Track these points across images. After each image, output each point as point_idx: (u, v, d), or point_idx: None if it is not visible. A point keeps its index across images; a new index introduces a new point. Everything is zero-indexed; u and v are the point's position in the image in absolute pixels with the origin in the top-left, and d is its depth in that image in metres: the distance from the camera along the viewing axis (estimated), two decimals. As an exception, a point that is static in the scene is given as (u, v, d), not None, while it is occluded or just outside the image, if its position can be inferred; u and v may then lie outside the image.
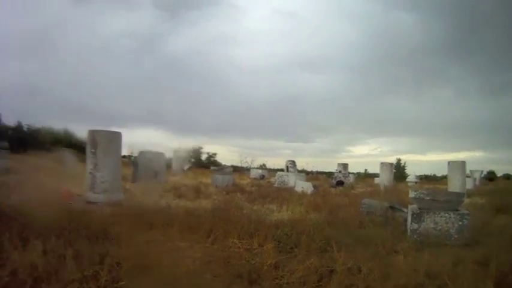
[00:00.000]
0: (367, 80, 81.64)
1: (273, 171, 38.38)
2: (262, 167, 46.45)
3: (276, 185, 22.06)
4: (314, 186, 18.29)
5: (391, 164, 27.95)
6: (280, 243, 5.91)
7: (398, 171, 41.03)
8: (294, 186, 19.27)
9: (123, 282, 4.08)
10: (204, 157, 54.80)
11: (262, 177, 30.65)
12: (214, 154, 55.80)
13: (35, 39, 60.77)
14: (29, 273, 3.97)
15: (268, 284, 4.47)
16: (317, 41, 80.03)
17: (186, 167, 29.24)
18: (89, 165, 10.84)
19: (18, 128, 40.03)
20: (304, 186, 18.11)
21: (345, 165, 28.52)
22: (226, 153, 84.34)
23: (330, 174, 35.57)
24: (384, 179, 25.13)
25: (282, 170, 30.26)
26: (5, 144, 20.04)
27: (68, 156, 24.57)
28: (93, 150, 10.75)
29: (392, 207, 9.41)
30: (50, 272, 4.04)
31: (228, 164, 39.87)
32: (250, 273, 4.66)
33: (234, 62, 78.96)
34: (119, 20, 73.16)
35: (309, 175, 31.40)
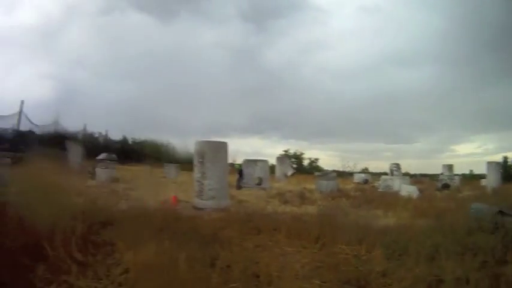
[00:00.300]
0: (463, 71, 74.37)
1: (376, 175, 37.85)
2: (365, 171, 45.79)
3: (380, 190, 21.63)
4: (419, 190, 17.78)
5: (498, 163, 26.48)
6: (388, 250, 5.83)
7: (506, 170, 37.08)
8: (399, 191, 18.76)
9: (233, 285, 4.33)
10: (306, 163, 55.59)
11: (366, 181, 30.17)
12: (316, 159, 56.21)
13: (132, 61, 67.38)
14: (143, 273, 4.40)
15: (376, 291, 4.52)
16: (407, 34, 75.15)
17: (289, 173, 29.62)
18: (197, 174, 11.68)
19: (123, 142, 44.60)
20: (409, 190, 17.61)
21: (450, 167, 27.48)
22: (327, 158, 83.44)
23: (433, 177, 34.35)
24: (491, 180, 23.52)
25: (384, 173, 29.90)
26: (113, 156, 22.32)
27: (171, 166, 26.69)
28: (200, 160, 11.60)
29: (502, 212, 8.65)
30: (163, 273, 4.40)
31: (330, 168, 39.60)
32: (358, 279, 4.69)
33: (326, 66, 77.83)
34: (209, 35, 77.32)
35: (413, 178, 29.80)
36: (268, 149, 75.02)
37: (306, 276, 4.77)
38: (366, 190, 21.37)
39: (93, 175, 19.22)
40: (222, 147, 12.06)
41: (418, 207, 11.48)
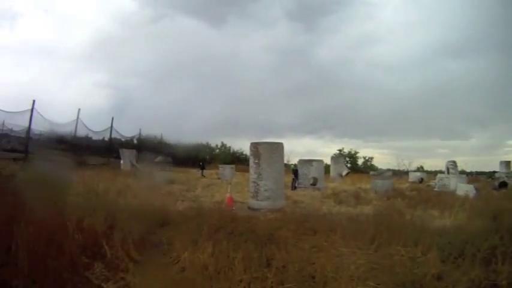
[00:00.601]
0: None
1: (431, 173, 37.13)
2: (420, 169, 44.84)
3: (436, 189, 21.03)
4: (476, 189, 16.98)
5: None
6: (444, 252, 5.65)
7: None
8: (455, 190, 18.16)
9: (289, 285, 4.27)
10: (360, 162, 54.77)
11: (421, 180, 29.41)
12: (371, 158, 55.37)
13: (183, 66, 69.12)
14: (199, 272, 4.41)
15: (430, 295, 4.34)
16: (459, 23, 71.94)
17: (344, 173, 29.36)
18: (252, 175, 11.77)
19: (177, 145, 45.63)
20: (466, 189, 16.98)
21: (507, 164, 26.44)
22: (382, 157, 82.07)
23: (490, 175, 32.65)
24: (552, 177, 21.73)
25: (440, 171, 29.05)
26: (169, 158, 22.92)
27: (226, 167, 27.01)
28: (256, 161, 11.68)
29: None
30: (219, 272, 4.40)
31: (384, 167, 38.84)
32: (413, 282, 4.56)
33: (377, 61, 76.48)
34: (257, 37, 77.86)
35: (468, 176, 28.53)
36: (322, 148, 74.81)
37: (361, 278, 4.66)
38: (421, 189, 20.79)
39: (149, 177, 19.69)
40: (277, 148, 12.03)
41: (474, 207, 10.96)
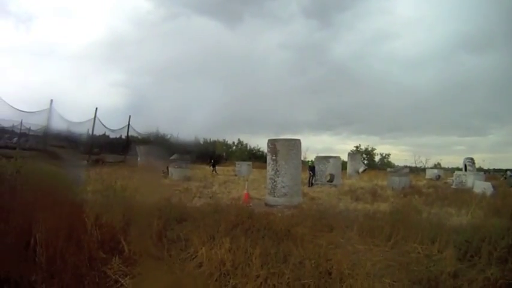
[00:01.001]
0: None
1: (448, 170, 37.07)
2: (437, 166, 44.57)
3: (453, 186, 20.86)
4: (493, 187, 16.67)
5: None
6: (461, 250, 5.65)
7: None
8: (472, 187, 17.91)
9: (306, 281, 4.25)
10: (377, 158, 54.37)
11: (438, 177, 29.25)
12: (388, 155, 54.95)
13: (200, 64, 69.35)
14: (217, 268, 4.43)
15: (446, 293, 4.32)
16: (478, 17, 70.00)
17: (361, 169, 29.23)
18: (270, 172, 11.79)
19: (195, 142, 45.86)
20: (483, 186, 16.67)
21: None
22: (399, 153, 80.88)
23: (503, 173, 32.24)
24: None
25: (457, 168, 28.85)
26: (186, 156, 23.01)
27: (242, 164, 27.06)
28: (273, 158, 11.71)
29: None
30: (237, 268, 4.42)
31: (401, 164, 38.41)
32: (429, 280, 4.56)
33: (394, 56, 75.42)
34: (273, 34, 77.58)
35: (486, 174, 28.11)
36: (339, 145, 74.29)
37: (377, 275, 4.65)
38: (438, 187, 20.68)
39: (166, 174, 19.86)
40: (295, 144, 12.02)
41: (491, 206, 10.93)
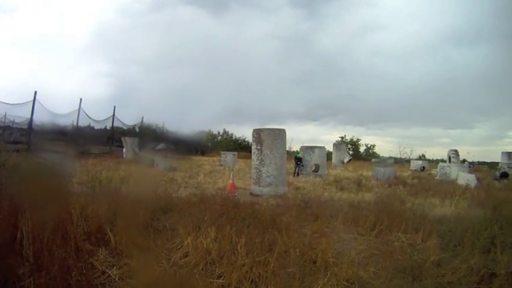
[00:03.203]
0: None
1: (432, 162, 37.87)
2: (422, 157, 44.97)
3: (437, 178, 21.30)
4: (477, 179, 17.12)
5: None
6: (444, 240, 5.79)
7: None
8: (456, 179, 18.23)
9: (291, 269, 4.35)
10: (362, 149, 54.87)
11: (423, 169, 29.74)
12: (373, 146, 55.52)
13: (186, 54, 68.57)
14: (202, 257, 4.50)
15: (430, 281, 4.44)
16: (464, 10, 70.57)
17: (346, 160, 29.52)
18: (255, 161, 11.92)
19: (178, 132, 45.60)
20: (467, 178, 17.05)
21: (510, 154, 26.09)
22: (384, 145, 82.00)
23: (492, 165, 33.07)
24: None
25: (441, 160, 29.47)
26: (171, 146, 22.93)
27: (228, 154, 27.11)
28: (258, 147, 11.80)
29: None
30: (222, 257, 4.49)
31: (386, 155, 39.06)
32: (413, 269, 4.68)
33: (380, 49, 75.03)
34: (260, 24, 77.03)
35: (470, 166, 28.71)
36: (325, 136, 74.70)
37: (362, 263, 4.77)
38: (422, 178, 21.07)
39: (151, 165, 19.79)
40: (280, 134, 12.10)
41: (475, 197, 11.21)
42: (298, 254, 4.76)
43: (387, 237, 6.06)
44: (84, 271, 4.04)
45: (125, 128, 33.59)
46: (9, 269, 3.77)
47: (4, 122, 25.24)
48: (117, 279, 4.12)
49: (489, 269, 4.63)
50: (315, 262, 4.69)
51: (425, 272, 4.62)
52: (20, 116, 25.34)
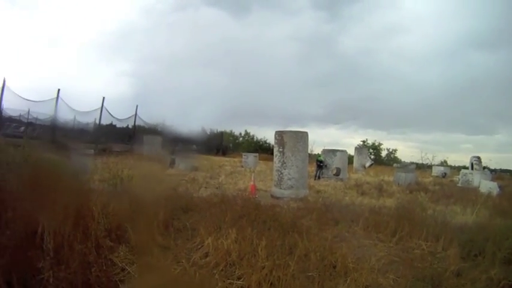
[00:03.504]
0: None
1: (454, 168, 36.97)
2: (444, 163, 44.04)
3: (459, 184, 20.77)
4: (499, 187, 16.63)
5: None
6: (464, 249, 5.67)
7: None
8: (479, 186, 17.76)
9: (310, 274, 4.32)
10: (383, 153, 54.35)
11: (444, 175, 29.07)
12: (395, 150, 54.94)
13: (208, 55, 69.03)
14: (223, 258, 4.48)
15: (449, 291, 4.35)
16: (487, 14, 68.48)
17: (367, 164, 29.20)
18: (276, 163, 11.86)
19: (201, 133, 46.02)
20: (489, 186, 16.55)
21: None
22: (406, 149, 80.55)
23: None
24: None
25: (463, 167, 28.90)
26: (194, 146, 23.07)
27: (249, 156, 27.11)
28: (280, 149, 11.75)
29: None
30: (242, 258, 4.46)
31: (408, 160, 38.52)
32: (432, 277, 4.60)
33: (403, 51, 74.19)
34: (281, 26, 76.98)
35: (492, 174, 28.03)
36: (346, 139, 73.89)
37: (381, 270, 4.72)
38: (444, 184, 20.64)
39: (172, 164, 19.92)
40: (302, 137, 12.03)
41: (497, 206, 10.93)
42: (318, 258, 4.71)
43: (408, 244, 5.99)
44: (104, 267, 4.05)
45: (146, 127, 33.98)
46: (29, 262, 3.79)
47: (27, 119, 25.70)
48: (136, 276, 4.12)
49: (509, 281, 4.56)
50: (334, 267, 4.63)
51: (445, 281, 4.55)
52: (44, 113, 25.85)
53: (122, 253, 4.43)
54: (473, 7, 72.94)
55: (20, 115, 25.65)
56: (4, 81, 23.02)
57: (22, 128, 25.00)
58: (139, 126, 33.27)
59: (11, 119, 25.58)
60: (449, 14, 74.78)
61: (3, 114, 24.30)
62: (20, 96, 24.56)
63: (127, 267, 4.21)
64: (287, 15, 76.57)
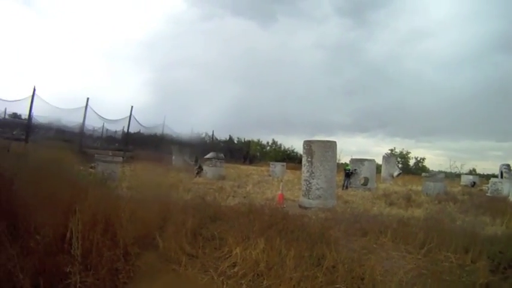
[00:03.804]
0: None
1: (483, 177, 36.25)
2: (472, 172, 43.13)
3: (488, 194, 20.34)
4: None
5: None
6: (494, 262, 5.53)
7: None
8: (509, 196, 17.29)
9: (338, 286, 4.24)
10: (411, 162, 53.33)
11: (473, 184, 28.45)
12: (423, 159, 53.81)
13: (234, 64, 69.50)
14: (251, 268, 4.44)
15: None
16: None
17: (395, 173, 28.72)
18: (305, 173, 11.78)
19: (229, 141, 46.39)
20: None
21: None
22: (434, 158, 79.28)
23: None
24: None
25: (493, 175, 27.93)
26: (221, 155, 23.27)
27: (276, 165, 27.10)
28: (309, 159, 11.68)
29: None
30: (270, 269, 4.40)
31: (436, 169, 37.63)
32: None
33: (429, 57, 73.52)
34: (307, 34, 76.96)
35: None
36: (374, 148, 73.41)
37: (409, 283, 4.61)
38: (473, 194, 20.23)
39: (200, 173, 20.08)
40: (330, 146, 11.95)
41: None
42: (346, 269, 4.63)
43: (436, 256, 5.82)
44: (132, 274, 4.06)
45: (174, 135, 34.42)
46: (57, 266, 3.83)
47: (57, 126, 26.38)
48: (163, 284, 4.12)
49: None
50: (362, 279, 4.54)
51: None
52: (73, 121, 26.63)
53: (149, 260, 4.44)
54: (500, 10, 71.42)
55: (50, 122, 26.33)
56: (34, 90, 23.68)
57: (50, 134, 25.70)
58: (167, 135, 33.77)
59: (41, 126, 26.29)
60: (475, 17, 73.79)
61: (33, 121, 24.93)
62: (50, 104, 25.27)
63: (155, 275, 4.22)
64: (312, 23, 76.83)
